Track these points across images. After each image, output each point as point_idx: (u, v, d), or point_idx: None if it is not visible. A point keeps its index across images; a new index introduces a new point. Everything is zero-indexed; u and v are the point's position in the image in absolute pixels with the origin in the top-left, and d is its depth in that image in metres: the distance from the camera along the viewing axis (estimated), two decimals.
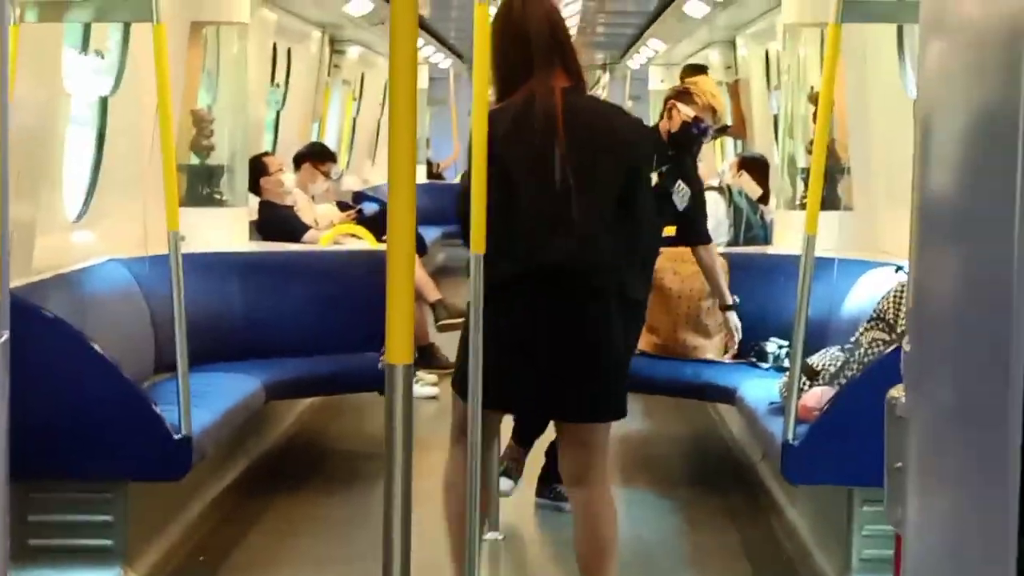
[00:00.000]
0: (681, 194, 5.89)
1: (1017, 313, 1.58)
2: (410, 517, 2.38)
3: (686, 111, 5.97)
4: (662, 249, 7.25)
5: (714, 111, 6.04)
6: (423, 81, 18.08)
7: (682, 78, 11.83)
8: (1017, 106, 1.62)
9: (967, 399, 1.95)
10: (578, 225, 4.12)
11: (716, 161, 13.37)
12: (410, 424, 2.41)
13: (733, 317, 6.40)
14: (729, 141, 12.94)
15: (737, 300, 6.42)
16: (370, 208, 11.43)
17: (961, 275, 2.04)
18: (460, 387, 4.26)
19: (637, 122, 4.56)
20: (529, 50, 4.30)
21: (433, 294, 8.61)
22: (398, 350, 2.41)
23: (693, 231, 6.18)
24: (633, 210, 4.21)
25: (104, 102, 7.28)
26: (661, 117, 6.14)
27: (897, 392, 2.59)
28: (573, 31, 15.90)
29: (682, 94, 6.08)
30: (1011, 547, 1.61)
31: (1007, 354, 1.59)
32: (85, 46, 7.31)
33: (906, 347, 2.47)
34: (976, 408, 1.86)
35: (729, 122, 6.36)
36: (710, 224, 8.16)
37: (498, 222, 4.11)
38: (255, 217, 8.36)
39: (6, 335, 3.07)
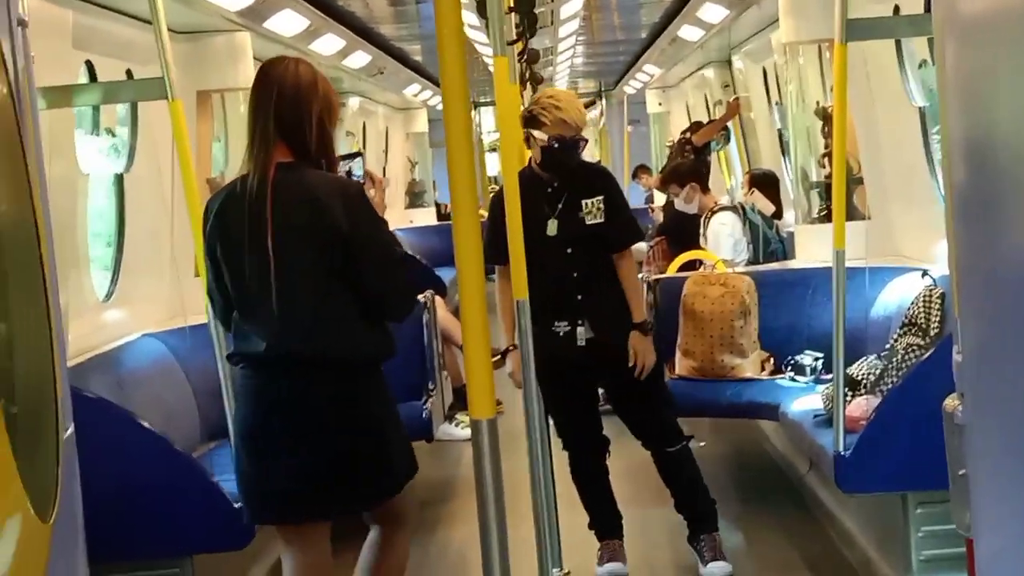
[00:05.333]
0: (589, 212, 5.49)
1: None
2: (508, 564, 2.44)
3: (540, 136, 5.48)
4: (689, 274, 7.35)
5: (566, 123, 5.44)
6: (423, 124, 18.14)
7: (685, 132, 12.01)
8: None
9: None
10: (282, 307, 3.92)
11: (724, 180, 13.47)
12: (499, 476, 2.47)
13: (635, 338, 5.55)
14: (736, 159, 13.04)
15: (652, 323, 5.89)
16: None
17: (1007, 275, 2.10)
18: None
19: (344, 184, 4.09)
20: (256, 123, 4.03)
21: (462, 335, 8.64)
22: (481, 405, 2.47)
23: (609, 240, 5.55)
24: (365, 269, 3.96)
25: (120, 180, 7.36)
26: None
27: (952, 401, 2.65)
28: (567, 63, 16.01)
29: (530, 121, 5.53)
30: None
31: None
32: (96, 126, 7.40)
33: (956, 356, 2.54)
34: None
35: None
36: (728, 244, 8.28)
37: (221, 301, 4.10)
38: None
39: (71, 429, 3.13)
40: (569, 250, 5.51)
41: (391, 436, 4.06)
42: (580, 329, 5.51)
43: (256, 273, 3.94)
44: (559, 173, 5.54)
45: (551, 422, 5.73)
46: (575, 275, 5.52)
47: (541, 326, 5.48)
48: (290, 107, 4.01)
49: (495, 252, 5.19)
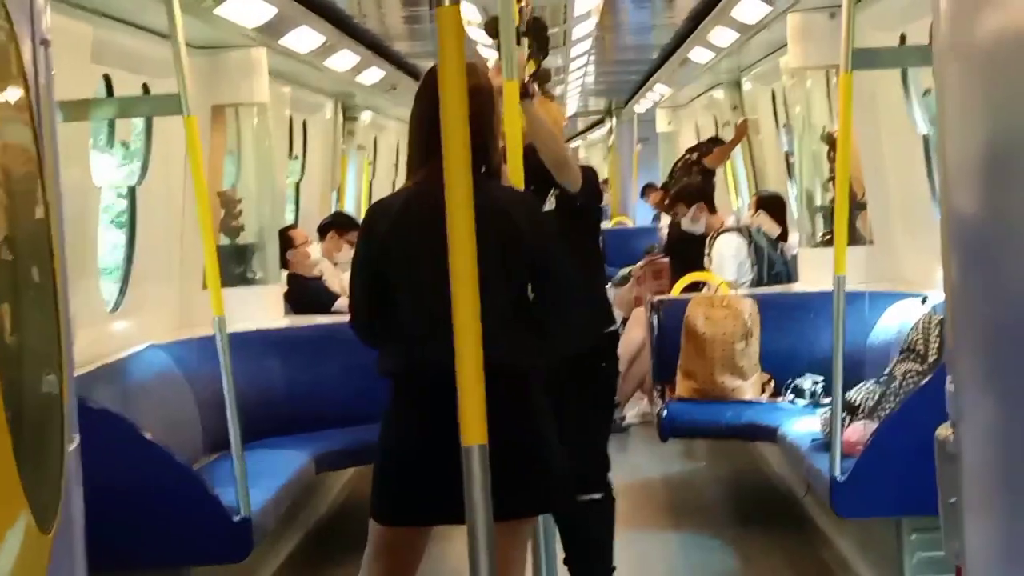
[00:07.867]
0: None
1: None
2: None
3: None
4: (692, 295, 7.40)
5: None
6: None
7: (692, 151, 12.04)
8: None
9: (1016, 429, 2.03)
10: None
11: (731, 202, 13.51)
12: (488, 503, 2.46)
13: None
14: (743, 180, 13.08)
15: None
16: None
17: (998, 307, 2.13)
18: (376, 507, 3.99)
19: (525, 196, 4.12)
20: (432, 130, 3.68)
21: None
22: (472, 431, 2.47)
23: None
24: (545, 285, 3.91)
25: (132, 192, 7.41)
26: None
27: (945, 430, 2.68)
28: (578, 81, 16.06)
29: None
30: None
31: None
32: (110, 139, 7.46)
33: (949, 387, 2.57)
34: None
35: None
36: (731, 265, 8.32)
37: (383, 318, 3.94)
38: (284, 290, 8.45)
39: (76, 441, 3.16)
40: None
41: (550, 448, 3.92)
42: None
43: (435, 287, 3.59)
44: None
45: None
46: None
47: None
48: (477, 117, 3.54)
49: None
